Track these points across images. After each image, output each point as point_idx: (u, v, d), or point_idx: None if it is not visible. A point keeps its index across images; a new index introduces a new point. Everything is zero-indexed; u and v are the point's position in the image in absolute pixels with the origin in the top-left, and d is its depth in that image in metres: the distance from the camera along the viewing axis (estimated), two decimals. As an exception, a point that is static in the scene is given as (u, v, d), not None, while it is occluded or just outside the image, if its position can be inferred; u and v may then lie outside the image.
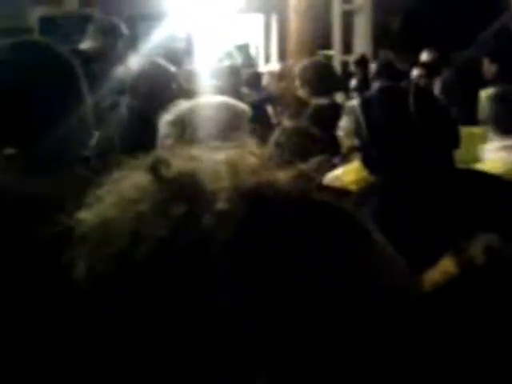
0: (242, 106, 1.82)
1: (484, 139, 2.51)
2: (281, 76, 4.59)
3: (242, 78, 5.05)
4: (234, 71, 4.89)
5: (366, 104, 1.23)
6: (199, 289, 0.44)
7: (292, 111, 4.09)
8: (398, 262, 0.55)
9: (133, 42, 7.48)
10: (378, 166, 1.19)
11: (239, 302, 0.43)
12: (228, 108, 1.79)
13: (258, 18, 8.54)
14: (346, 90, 5.16)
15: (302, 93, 3.86)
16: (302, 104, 3.90)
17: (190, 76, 4.38)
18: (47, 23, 6.06)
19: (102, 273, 0.45)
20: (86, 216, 0.48)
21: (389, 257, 0.53)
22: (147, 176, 0.48)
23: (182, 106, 1.81)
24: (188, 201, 0.46)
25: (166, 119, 1.79)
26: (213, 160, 0.49)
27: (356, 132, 1.28)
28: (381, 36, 7.80)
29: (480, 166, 2.22)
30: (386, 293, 0.49)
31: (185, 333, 0.44)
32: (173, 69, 3.56)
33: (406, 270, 0.55)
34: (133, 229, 0.45)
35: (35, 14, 6.20)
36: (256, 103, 4.20)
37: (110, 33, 3.94)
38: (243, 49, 7.02)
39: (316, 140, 2.31)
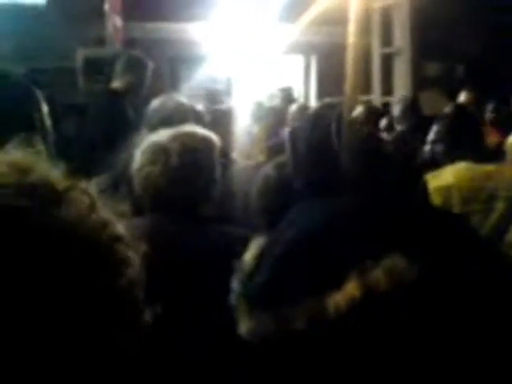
0: (214, 140, 1.94)
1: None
2: (294, 118, 4.62)
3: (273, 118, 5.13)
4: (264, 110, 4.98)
5: (292, 134, 1.24)
6: None
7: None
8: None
9: (174, 83, 7.73)
10: (303, 193, 1.19)
11: None
12: (202, 139, 1.90)
13: (299, 60, 8.68)
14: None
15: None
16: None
17: (228, 115, 4.48)
18: (91, 64, 6.40)
19: None
20: None
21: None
22: None
23: (163, 133, 1.90)
24: None
25: (145, 147, 1.87)
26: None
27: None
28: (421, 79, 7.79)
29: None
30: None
31: None
32: (200, 107, 3.65)
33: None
34: None
35: (81, 55, 6.57)
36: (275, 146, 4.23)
37: (136, 67, 4.04)
38: (286, 91, 7.14)
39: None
